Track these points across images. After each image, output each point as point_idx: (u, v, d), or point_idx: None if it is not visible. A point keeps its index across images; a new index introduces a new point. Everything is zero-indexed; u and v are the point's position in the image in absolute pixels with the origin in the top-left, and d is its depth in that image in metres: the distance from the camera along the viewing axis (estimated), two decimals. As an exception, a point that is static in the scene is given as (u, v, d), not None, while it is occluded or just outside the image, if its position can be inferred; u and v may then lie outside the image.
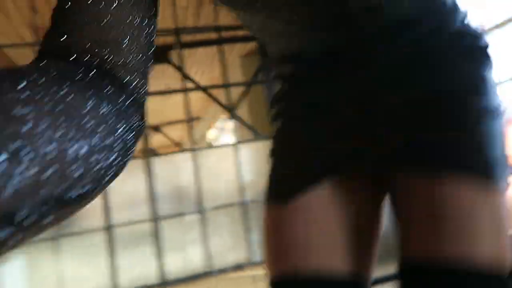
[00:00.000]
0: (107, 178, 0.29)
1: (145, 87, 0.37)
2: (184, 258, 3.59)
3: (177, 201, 3.61)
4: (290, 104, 0.68)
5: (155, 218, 3.44)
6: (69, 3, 0.35)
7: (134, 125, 0.33)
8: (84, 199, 0.27)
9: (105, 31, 0.34)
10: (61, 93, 0.26)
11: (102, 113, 0.28)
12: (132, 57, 0.35)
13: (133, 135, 0.32)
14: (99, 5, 0.34)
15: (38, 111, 0.24)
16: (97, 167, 0.27)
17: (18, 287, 3.19)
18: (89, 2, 0.34)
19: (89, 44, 0.33)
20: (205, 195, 3.60)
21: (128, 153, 0.31)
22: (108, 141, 0.28)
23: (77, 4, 0.34)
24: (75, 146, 0.25)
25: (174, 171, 3.62)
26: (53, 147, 0.24)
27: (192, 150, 3.66)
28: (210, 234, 3.57)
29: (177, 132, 8.43)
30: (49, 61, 0.31)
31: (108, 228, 3.32)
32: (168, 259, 3.43)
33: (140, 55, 0.36)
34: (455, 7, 0.60)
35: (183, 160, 3.65)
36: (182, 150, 4.50)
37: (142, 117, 0.35)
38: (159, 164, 3.51)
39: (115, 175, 0.30)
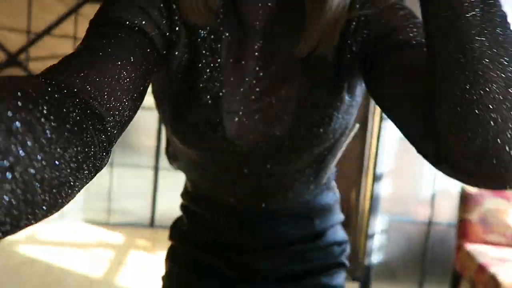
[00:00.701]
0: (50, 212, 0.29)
1: (116, 139, 0.40)
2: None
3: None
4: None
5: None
6: (81, 55, 0.40)
7: (97, 166, 0.35)
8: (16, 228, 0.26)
9: (101, 85, 0.37)
10: (48, 130, 0.27)
11: (75, 154, 0.30)
12: (117, 113, 0.39)
13: (93, 173, 0.34)
14: (102, 63, 0.39)
15: (25, 142, 0.25)
16: (58, 191, 0.28)
17: None
18: (94, 59, 0.39)
19: (84, 90, 0.36)
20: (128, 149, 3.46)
21: (81, 187, 0.32)
22: (74, 174, 0.30)
23: (86, 57, 0.39)
24: (42, 174, 0.26)
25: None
26: (31, 171, 0.25)
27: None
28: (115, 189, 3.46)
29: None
30: (46, 90, 0.31)
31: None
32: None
33: (126, 112, 0.40)
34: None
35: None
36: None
37: (107, 159, 0.37)
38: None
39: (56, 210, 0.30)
